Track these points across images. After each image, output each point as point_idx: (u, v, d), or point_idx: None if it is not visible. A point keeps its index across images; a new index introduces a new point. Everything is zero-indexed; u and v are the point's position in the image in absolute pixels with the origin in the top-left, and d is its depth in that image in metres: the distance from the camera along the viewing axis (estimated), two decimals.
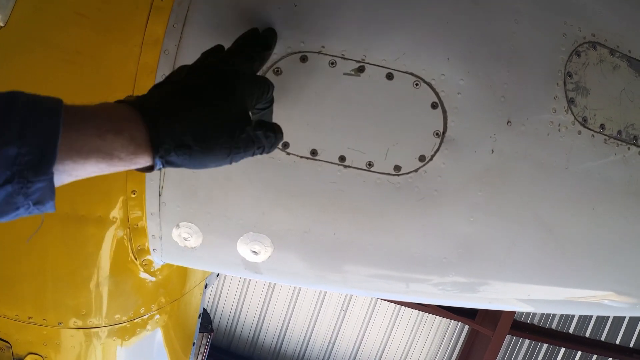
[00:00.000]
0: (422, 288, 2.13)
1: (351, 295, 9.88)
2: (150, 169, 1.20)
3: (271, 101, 1.60)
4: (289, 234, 1.99)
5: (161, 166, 1.19)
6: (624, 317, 10.11)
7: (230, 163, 1.32)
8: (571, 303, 2.41)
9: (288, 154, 1.89)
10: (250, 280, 9.94)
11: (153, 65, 1.92)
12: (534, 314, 10.11)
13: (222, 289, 10.10)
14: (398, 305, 9.86)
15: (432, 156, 1.89)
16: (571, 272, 2.22)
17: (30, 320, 2.29)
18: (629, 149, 2.12)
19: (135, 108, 1.15)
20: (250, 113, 1.46)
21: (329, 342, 10.21)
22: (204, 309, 3.36)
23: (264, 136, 1.38)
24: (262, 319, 10.15)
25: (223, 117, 1.26)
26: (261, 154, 1.44)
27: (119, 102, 1.23)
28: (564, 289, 2.30)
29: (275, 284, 9.89)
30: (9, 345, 2.37)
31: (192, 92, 1.26)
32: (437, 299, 2.20)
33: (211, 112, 1.24)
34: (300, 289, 9.88)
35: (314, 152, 1.89)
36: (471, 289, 2.14)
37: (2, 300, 2.29)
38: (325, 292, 9.89)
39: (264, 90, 1.50)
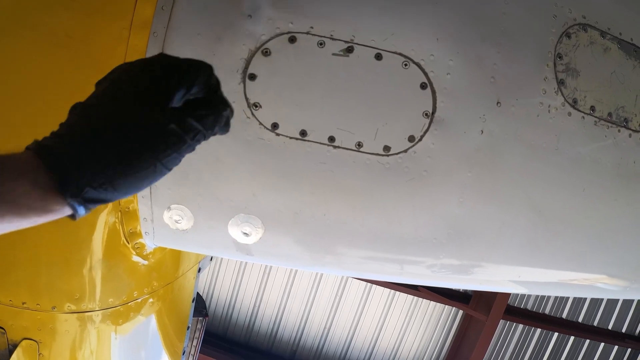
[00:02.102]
0: (413, 269, 2.14)
1: (346, 281, 9.94)
2: (73, 216, 1.03)
3: (215, 87, 1.21)
4: (280, 215, 2.00)
5: (84, 210, 1.02)
6: (616, 303, 10.21)
7: (170, 170, 1.12)
8: (562, 285, 2.43)
9: (277, 134, 1.89)
10: (245, 267, 9.98)
11: (142, 47, 1.91)
12: (528, 299, 10.19)
13: (217, 276, 10.13)
14: (393, 290, 9.92)
15: (422, 137, 1.90)
16: (561, 253, 2.23)
17: (24, 305, 2.28)
18: (619, 131, 2.13)
19: (33, 150, 1.01)
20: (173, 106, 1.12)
21: (324, 327, 10.28)
22: (198, 294, 3.37)
23: (196, 120, 1.11)
24: (257, 305, 10.19)
25: (133, 128, 1.04)
26: (213, 136, 1.19)
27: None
28: (554, 271, 2.31)
29: (270, 270, 9.94)
30: (3, 331, 2.35)
31: (92, 111, 1.06)
32: (428, 280, 2.21)
33: (117, 127, 1.03)
34: (295, 275, 9.92)
35: (303, 133, 1.89)
36: (462, 269, 2.15)
37: None
38: (320, 279, 9.94)
39: (193, 73, 1.14)
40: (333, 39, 1.83)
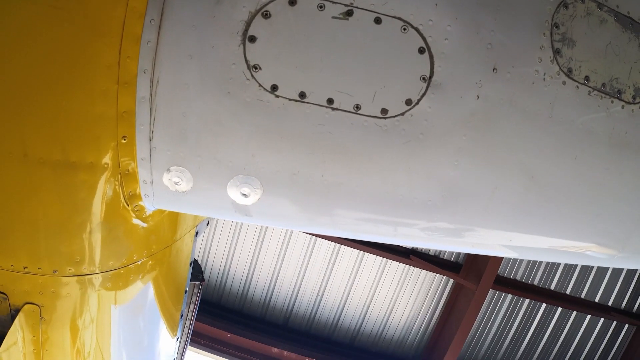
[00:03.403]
0: (408, 230, 2.19)
1: (339, 249, 10.02)
2: None
3: None
4: (278, 176, 2.03)
5: None
6: (604, 277, 10.39)
7: None
8: (552, 251, 2.48)
9: (277, 96, 1.92)
10: (239, 235, 10.04)
11: (141, 9, 1.91)
12: (517, 270, 10.34)
13: (211, 244, 10.19)
14: (384, 259, 10.02)
15: (419, 100, 1.93)
16: (552, 219, 2.28)
17: (26, 269, 2.31)
18: (612, 102, 2.16)
19: None
20: None
21: (317, 295, 10.41)
22: (195, 259, 3.42)
23: None
24: (251, 273, 10.28)
25: None
26: None
27: None
28: (544, 236, 2.37)
29: (263, 238, 10.00)
30: (5, 296, 2.39)
31: None
32: (422, 241, 2.26)
33: None
34: (288, 242, 9.99)
35: (302, 95, 1.92)
36: (455, 232, 2.20)
37: None
38: (313, 246, 10.02)
39: None
40: (333, 2, 1.84)
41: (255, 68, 1.89)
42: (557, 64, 2.03)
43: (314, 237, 9.97)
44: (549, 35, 2.01)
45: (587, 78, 2.09)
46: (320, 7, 1.84)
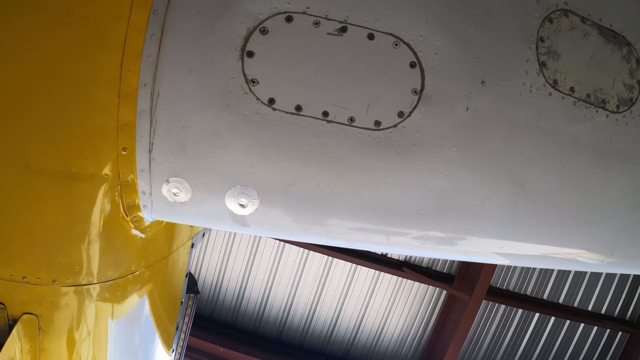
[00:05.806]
0: (401, 239, 2.24)
1: (332, 261, 10.03)
2: None
3: None
4: (275, 187, 2.08)
5: None
6: (596, 285, 10.45)
7: None
8: (542, 257, 2.53)
9: (274, 109, 1.97)
10: (231, 247, 10.03)
11: (143, 25, 1.96)
12: (510, 280, 10.39)
13: (203, 257, 10.16)
14: (377, 271, 10.03)
15: (411, 112, 2.00)
16: (541, 225, 2.34)
17: (25, 279, 2.32)
18: (597, 111, 2.24)
19: None
20: None
21: (310, 308, 10.38)
22: (189, 272, 3.43)
23: None
24: (244, 286, 10.25)
25: None
26: None
27: None
28: (534, 243, 2.42)
29: (256, 251, 9.99)
30: (3, 306, 2.38)
31: None
32: (415, 250, 2.31)
33: None
34: (281, 255, 9.98)
35: (298, 108, 1.98)
36: (447, 240, 2.26)
37: None
38: (306, 259, 10.01)
39: None
40: (328, 19, 1.91)
41: (253, 82, 1.95)
42: (543, 76, 2.11)
43: (306, 250, 9.97)
44: (535, 49, 2.09)
45: (572, 89, 2.16)
46: (316, 23, 1.91)
